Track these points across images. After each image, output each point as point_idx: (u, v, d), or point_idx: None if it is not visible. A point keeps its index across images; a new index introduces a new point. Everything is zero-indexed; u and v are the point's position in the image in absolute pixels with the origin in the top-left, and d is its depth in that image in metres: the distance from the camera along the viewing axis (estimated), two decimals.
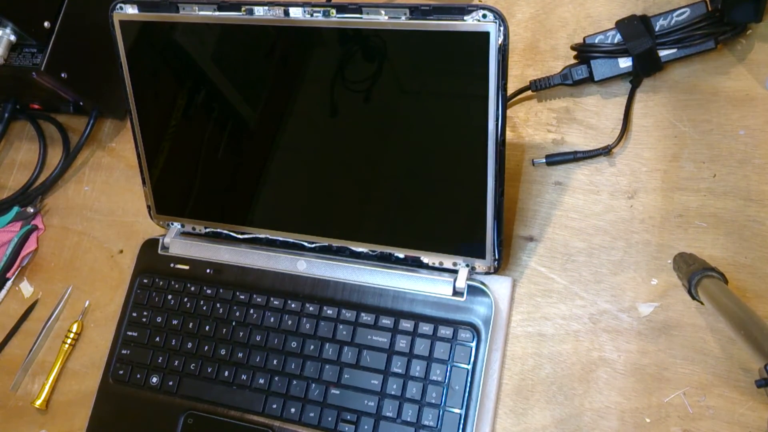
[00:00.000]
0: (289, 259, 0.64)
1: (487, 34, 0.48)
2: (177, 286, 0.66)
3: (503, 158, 0.52)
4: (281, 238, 0.64)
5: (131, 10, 0.58)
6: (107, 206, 0.76)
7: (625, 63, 0.60)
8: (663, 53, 0.59)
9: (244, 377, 0.61)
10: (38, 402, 0.68)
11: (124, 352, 0.65)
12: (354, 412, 0.57)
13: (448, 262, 0.59)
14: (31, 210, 0.77)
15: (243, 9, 0.54)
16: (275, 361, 0.60)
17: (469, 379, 0.55)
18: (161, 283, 0.66)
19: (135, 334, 0.66)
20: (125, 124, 0.79)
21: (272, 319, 0.62)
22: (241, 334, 0.62)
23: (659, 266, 0.56)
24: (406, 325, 0.58)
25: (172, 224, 0.68)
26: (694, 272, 0.49)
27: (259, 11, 0.54)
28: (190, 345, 0.63)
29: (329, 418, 0.57)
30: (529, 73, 0.65)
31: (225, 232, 0.66)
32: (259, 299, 0.63)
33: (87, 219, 0.76)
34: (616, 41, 0.60)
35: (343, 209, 0.60)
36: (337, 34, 0.53)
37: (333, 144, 0.58)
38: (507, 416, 0.56)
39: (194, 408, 0.61)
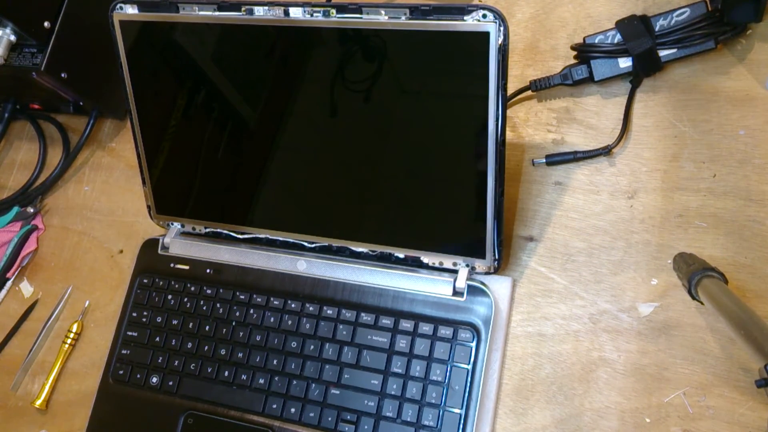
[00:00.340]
0: (289, 259, 0.64)
1: (487, 34, 0.48)
2: (177, 286, 0.66)
3: (503, 158, 0.52)
4: (281, 238, 0.64)
5: (131, 10, 0.58)
6: (107, 206, 0.76)
7: (625, 63, 0.60)
8: (663, 53, 0.59)
9: (244, 377, 0.61)
10: (38, 402, 0.68)
11: (124, 352, 0.65)
12: (354, 412, 0.57)
13: (448, 262, 0.59)
14: (31, 210, 0.77)
15: (243, 9, 0.54)
16: (275, 361, 0.60)
17: (469, 379, 0.55)
18: (161, 283, 0.66)
19: (135, 334, 0.66)
20: (125, 124, 0.79)
21: (272, 319, 0.62)
22: (241, 334, 0.62)
23: (659, 266, 0.56)
24: (406, 325, 0.58)
25: (172, 224, 0.68)
26: (694, 272, 0.49)
27: (259, 11, 0.54)
28: (190, 345, 0.63)
29: (329, 418, 0.57)
30: (529, 73, 0.65)
31: (225, 232, 0.66)
32: (259, 299, 0.63)
33: (87, 219, 0.76)
34: (616, 41, 0.60)
35: (343, 209, 0.60)
36: (337, 34, 0.53)
37: (333, 144, 0.58)
38: (507, 416, 0.56)
39: (194, 408, 0.61)
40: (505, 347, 0.58)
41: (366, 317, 0.59)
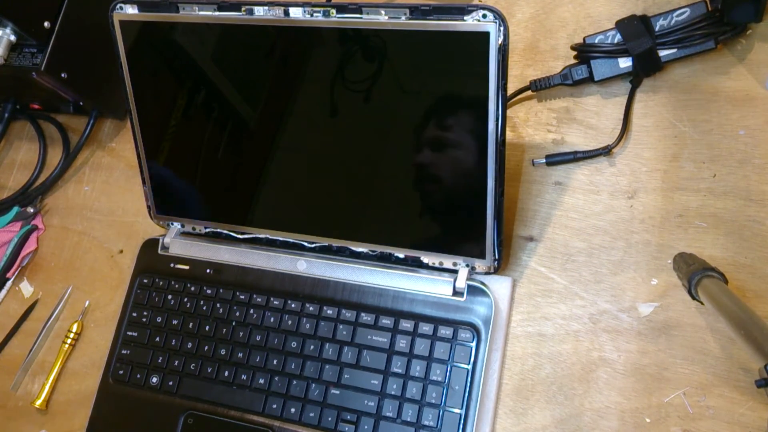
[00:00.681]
0: (289, 259, 0.64)
1: (487, 34, 0.48)
2: (177, 286, 0.66)
3: (503, 158, 0.52)
4: (281, 238, 0.64)
5: (131, 10, 0.58)
6: (107, 206, 0.76)
7: (625, 63, 0.60)
8: (663, 53, 0.59)
9: (244, 377, 0.61)
10: (38, 402, 0.68)
11: (124, 352, 0.65)
12: (354, 412, 0.57)
13: (448, 262, 0.59)
14: (31, 210, 0.77)
15: (243, 9, 0.54)
16: (275, 361, 0.60)
17: (469, 379, 0.55)
18: (161, 283, 0.66)
19: (135, 334, 0.66)
20: (125, 124, 0.79)
21: (272, 319, 0.62)
22: (241, 334, 0.62)
23: (659, 266, 0.56)
24: (406, 325, 0.58)
25: (172, 224, 0.68)
26: (694, 272, 0.49)
27: (259, 11, 0.54)
28: (190, 345, 0.63)
29: (329, 418, 0.57)
30: (529, 73, 0.65)
31: (225, 232, 0.66)
32: (259, 299, 0.63)
33: (87, 219, 0.76)
34: (616, 41, 0.60)
35: (342, 209, 0.60)
36: (337, 34, 0.53)
37: (333, 144, 0.58)
38: (507, 416, 0.56)
39: (194, 408, 0.61)
40: (505, 347, 0.58)
41: (366, 317, 0.59)
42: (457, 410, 0.55)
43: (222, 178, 0.63)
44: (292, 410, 0.58)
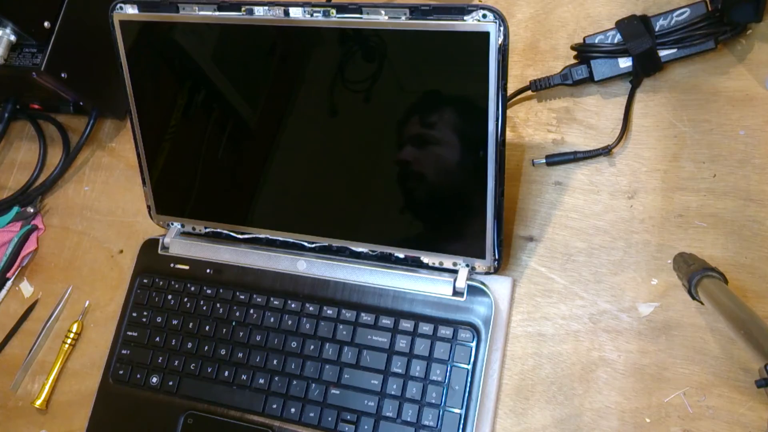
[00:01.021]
0: (289, 259, 0.64)
1: (487, 34, 0.48)
2: (177, 286, 0.66)
3: (503, 158, 0.52)
4: (281, 238, 0.64)
5: (131, 10, 0.58)
6: (107, 206, 0.76)
7: (625, 63, 0.60)
8: (663, 53, 0.59)
9: (244, 377, 0.61)
10: (38, 402, 0.68)
11: (124, 352, 0.65)
12: (354, 412, 0.57)
13: (448, 262, 0.59)
14: (31, 210, 0.77)
15: (243, 9, 0.54)
16: (275, 361, 0.60)
17: (469, 379, 0.55)
18: (161, 283, 0.66)
19: (135, 334, 0.66)
20: (125, 124, 0.79)
21: (272, 319, 0.62)
22: (241, 334, 0.62)
23: (659, 266, 0.56)
24: (406, 325, 0.58)
25: (172, 224, 0.68)
26: (694, 272, 0.49)
27: (259, 11, 0.54)
28: (190, 345, 0.63)
29: (329, 418, 0.57)
30: (529, 73, 0.65)
31: (225, 232, 0.66)
32: (259, 299, 0.63)
33: (87, 219, 0.76)
34: (616, 41, 0.60)
35: (343, 209, 0.60)
36: (337, 34, 0.53)
37: (333, 144, 0.58)
38: (507, 416, 0.56)
39: (194, 408, 0.61)
40: (505, 347, 0.58)
41: (366, 317, 0.59)
42: (457, 410, 0.55)
43: (222, 178, 0.63)
44: (292, 410, 0.58)
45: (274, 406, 0.59)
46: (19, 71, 0.68)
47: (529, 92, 0.64)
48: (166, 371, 0.63)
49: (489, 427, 0.55)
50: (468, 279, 0.58)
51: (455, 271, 0.59)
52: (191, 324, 0.64)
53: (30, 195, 0.78)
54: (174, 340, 0.64)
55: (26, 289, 0.75)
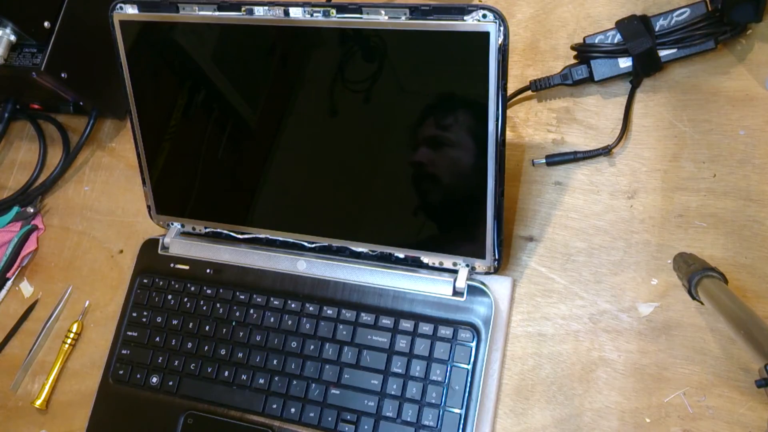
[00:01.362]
0: (289, 259, 0.64)
1: (487, 34, 0.48)
2: (177, 286, 0.66)
3: (503, 158, 0.52)
4: (281, 238, 0.64)
5: (131, 10, 0.58)
6: (107, 206, 0.76)
7: (625, 63, 0.60)
8: (663, 53, 0.59)
9: (244, 377, 0.61)
10: (38, 402, 0.68)
11: (124, 352, 0.65)
12: (354, 412, 0.57)
13: (448, 262, 0.59)
14: (31, 210, 0.77)
15: (243, 9, 0.54)
16: (275, 361, 0.60)
17: (469, 379, 0.55)
18: (161, 283, 0.66)
19: (135, 334, 0.66)
20: (125, 124, 0.79)
21: (272, 319, 0.62)
22: (241, 334, 0.62)
23: (659, 266, 0.56)
24: (406, 325, 0.58)
25: (172, 224, 0.68)
26: (694, 272, 0.49)
27: (259, 11, 0.54)
28: (190, 345, 0.63)
29: (329, 418, 0.57)
30: (529, 73, 0.65)
31: (225, 232, 0.66)
32: (259, 299, 0.63)
33: (87, 219, 0.76)
34: (616, 41, 0.60)
35: (342, 209, 0.60)
36: (337, 34, 0.53)
37: (333, 144, 0.58)
38: (507, 416, 0.56)
39: (194, 408, 0.61)
40: (505, 347, 0.58)
41: (366, 317, 0.59)
42: (457, 410, 0.55)
43: (222, 178, 0.63)
44: (292, 410, 0.58)
45: (274, 406, 0.59)
46: (19, 71, 0.68)
47: (529, 92, 0.64)
48: (166, 371, 0.63)
49: (489, 427, 0.55)
50: (468, 279, 0.58)
51: (455, 271, 0.59)
52: (191, 324, 0.64)
53: (30, 195, 0.78)
54: (174, 340, 0.64)
55: (26, 289, 0.75)
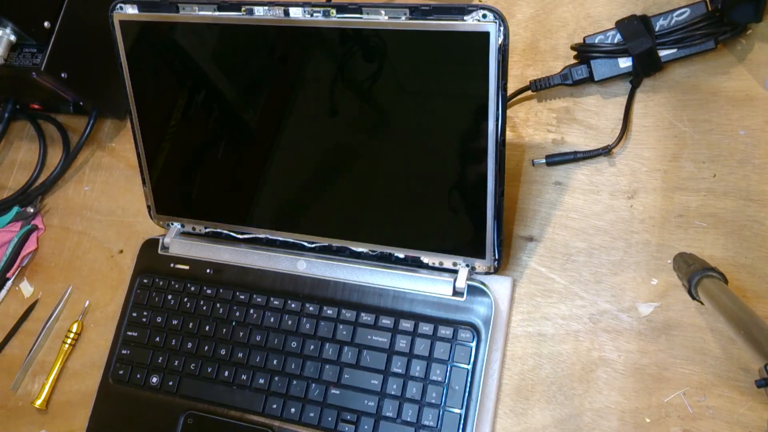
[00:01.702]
0: (289, 259, 0.64)
1: (487, 34, 0.48)
2: (177, 286, 0.66)
3: (503, 158, 0.52)
4: (281, 238, 0.64)
5: (131, 10, 0.58)
6: (107, 206, 0.76)
7: (625, 63, 0.60)
8: (663, 53, 0.59)
9: (244, 377, 0.61)
10: (38, 402, 0.68)
11: (124, 352, 0.65)
12: (354, 412, 0.57)
13: (448, 262, 0.59)
14: (31, 210, 0.77)
15: (243, 9, 0.54)
16: (275, 361, 0.60)
17: (469, 379, 0.55)
18: (161, 283, 0.66)
19: (135, 334, 0.66)
20: (125, 124, 0.79)
21: (272, 319, 0.62)
22: (241, 334, 0.62)
23: (659, 266, 0.56)
24: (406, 325, 0.58)
25: (172, 224, 0.68)
26: (694, 272, 0.49)
27: (259, 11, 0.54)
28: (190, 345, 0.63)
29: (329, 418, 0.57)
30: (529, 73, 0.65)
31: (225, 232, 0.66)
32: (259, 299, 0.63)
33: (87, 219, 0.76)
34: (616, 41, 0.60)
35: (343, 209, 0.60)
36: (337, 34, 0.53)
37: (333, 144, 0.58)
38: (507, 416, 0.56)
39: (194, 408, 0.61)
40: (505, 347, 0.58)
41: (366, 317, 0.59)
42: (457, 410, 0.55)
43: (222, 178, 0.63)
44: (292, 410, 0.58)
45: (274, 406, 0.59)
46: (19, 71, 0.68)
47: (529, 92, 0.64)
48: (166, 371, 0.63)
49: (489, 427, 0.55)
50: (468, 279, 0.58)
51: (455, 271, 0.59)
52: (191, 324, 0.64)
53: (30, 195, 0.78)
54: (174, 340, 0.64)
55: (26, 289, 0.75)
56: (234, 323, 0.63)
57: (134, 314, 0.66)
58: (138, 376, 0.64)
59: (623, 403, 0.54)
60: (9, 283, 0.75)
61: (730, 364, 0.52)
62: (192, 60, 0.59)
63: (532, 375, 0.57)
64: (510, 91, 0.64)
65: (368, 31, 0.51)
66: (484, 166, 0.52)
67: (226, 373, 0.61)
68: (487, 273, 0.58)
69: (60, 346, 0.70)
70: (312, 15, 0.52)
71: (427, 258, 0.59)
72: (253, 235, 0.65)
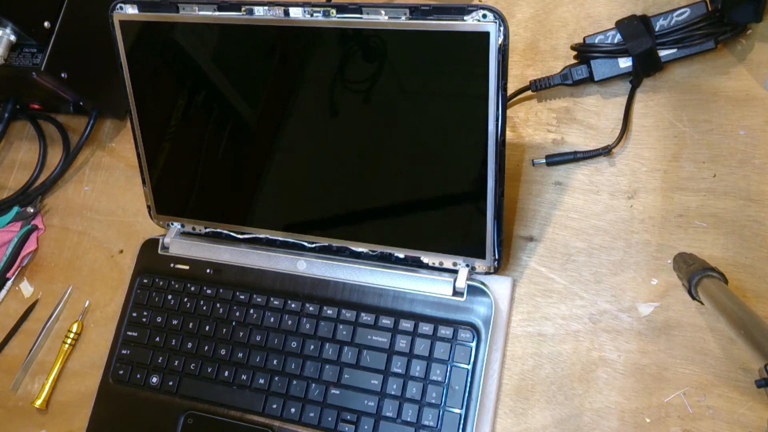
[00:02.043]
0: (289, 259, 0.64)
1: (487, 34, 0.48)
2: (177, 286, 0.66)
3: (503, 158, 0.52)
4: (281, 238, 0.64)
5: (131, 10, 0.58)
6: (107, 206, 0.76)
7: (625, 63, 0.60)
8: (663, 53, 0.59)
9: (244, 377, 0.61)
10: (38, 402, 0.68)
11: (124, 352, 0.65)
12: (354, 412, 0.57)
13: (448, 262, 0.59)
14: (31, 210, 0.77)
15: (243, 9, 0.54)
16: (275, 361, 0.60)
17: (469, 379, 0.55)
18: (161, 283, 0.66)
19: (135, 334, 0.66)
20: (125, 124, 0.79)
21: (272, 319, 0.62)
22: (241, 334, 0.62)
23: (659, 266, 0.56)
24: (406, 325, 0.58)
25: (172, 224, 0.68)
26: (694, 272, 0.49)
27: (259, 11, 0.54)
28: (190, 345, 0.63)
29: (329, 418, 0.57)
30: (529, 73, 0.65)
31: (225, 232, 0.66)
32: (259, 299, 0.63)
33: (87, 219, 0.76)
34: (616, 41, 0.60)
35: (343, 209, 0.60)
36: (337, 34, 0.53)
37: (333, 144, 0.58)
38: (507, 416, 0.56)
39: (194, 408, 0.61)
40: (505, 347, 0.58)
41: (366, 317, 0.59)
42: (457, 410, 0.55)
43: (222, 178, 0.63)
44: (292, 410, 0.58)
45: (274, 406, 0.59)
46: (19, 71, 0.68)
47: (529, 92, 0.64)
48: (166, 371, 0.63)
49: (489, 427, 0.55)
50: (468, 279, 0.58)
51: (455, 271, 0.59)
52: (191, 324, 0.64)
53: (30, 195, 0.78)
54: (174, 340, 0.64)
55: (26, 289, 0.75)
56: (234, 323, 0.63)
57: (134, 314, 0.66)
58: (138, 376, 0.64)
59: (623, 403, 0.54)
60: (9, 283, 0.75)
61: (730, 364, 0.52)
62: (192, 60, 0.59)
63: (532, 375, 0.57)
64: (510, 91, 0.64)
65: (368, 31, 0.51)
66: (484, 166, 0.52)
67: (226, 373, 0.61)
68: (487, 273, 0.58)
69: (60, 346, 0.70)
70: (312, 15, 0.52)
71: (427, 258, 0.59)
72: (253, 235, 0.65)
